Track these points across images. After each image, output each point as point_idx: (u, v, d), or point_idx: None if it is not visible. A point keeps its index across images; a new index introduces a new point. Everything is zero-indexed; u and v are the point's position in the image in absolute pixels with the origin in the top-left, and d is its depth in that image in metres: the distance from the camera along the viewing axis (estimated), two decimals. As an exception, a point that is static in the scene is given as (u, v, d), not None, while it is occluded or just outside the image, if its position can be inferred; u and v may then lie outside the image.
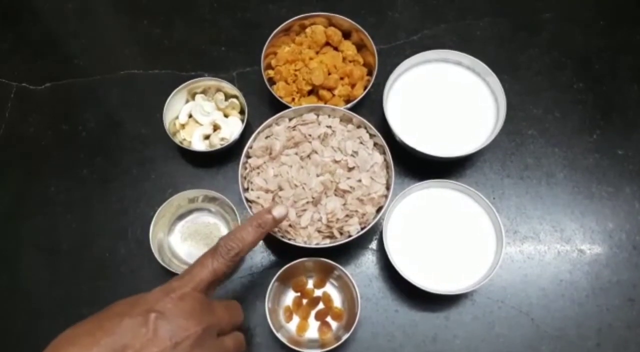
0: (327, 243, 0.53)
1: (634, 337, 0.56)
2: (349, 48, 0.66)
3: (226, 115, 0.65)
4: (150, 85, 0.70)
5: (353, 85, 0.64)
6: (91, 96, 0.70)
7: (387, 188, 0.55)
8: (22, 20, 0.75)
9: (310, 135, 0.55)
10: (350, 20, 0.65)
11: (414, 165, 0.63)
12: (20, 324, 0.58)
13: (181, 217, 0.61)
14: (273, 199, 0.53)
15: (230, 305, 0.45)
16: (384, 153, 0.56)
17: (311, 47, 0.65)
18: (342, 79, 0.64)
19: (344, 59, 0.65)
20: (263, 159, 0.55)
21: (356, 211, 0.53)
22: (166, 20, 0.74)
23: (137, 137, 0.67)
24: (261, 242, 0.60)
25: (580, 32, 0.72)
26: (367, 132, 0.56)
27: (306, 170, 0.54)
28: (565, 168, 0.64)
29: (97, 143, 0.66)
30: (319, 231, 0.53)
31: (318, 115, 0.57)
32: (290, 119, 0.57)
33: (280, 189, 0.53)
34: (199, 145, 0.63)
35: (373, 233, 0.61)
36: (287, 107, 0.58)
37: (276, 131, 0.56)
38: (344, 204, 0.53)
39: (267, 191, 0.54)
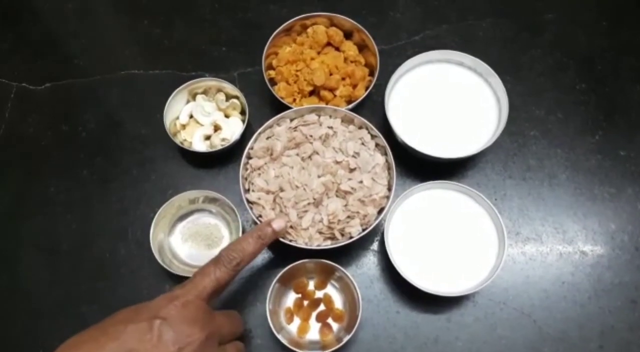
0: (328, 244, 0.53)
1: (636, 339, 0.56)
2: (350, 48, 0.65)
3: (227, 116, 0.65)
4: (150, 85, 0.70)
5: (354, 86, 0.64)
6: (91, 96, 0.69)
7: (389, 189, 0.54)
8: (22, 20, 0.75)
9: (311, 136, 0.55)
10: (351, 21, 0.64)
11: (415, 166, 0.63)
12: (20, 324, 0.58)
13: (182, 218, 0.61)
14: (274, 200, 0.53)
15: (231, 314, 0.47)
16: (385, 154, 0.55)
17: (312, 48, 0.65)
18: (343, 79, 0.64)
19: (345, 59, 0.65)
20: (264, 160, 0.55)
21: (357, 212, 0.52)
22: (166, 20, 0.74)
23: (137, 137, 0.66)
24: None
25: (583, 33, 0.72)
26: (369, 132, 0.56)
27: (307, 171, 0.53)
28: (568, 169, 0.64)
29: (97, 143, 0.66)
30: (320, 232, 0.53)
31: (319, 116, 0.57)
32: (291, 120, 0.57)
33: (281, 190, 0.53)
34: (199, 145, 0.63)
35: (374, 234, 0.61)
36: (288, 108, 0.58)
37: (277, 132, 0.56)
38: (345, 205, 0.53)
39: (268, 192, 0.53)
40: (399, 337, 0.56)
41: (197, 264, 0.58)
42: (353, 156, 0.54)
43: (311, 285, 0.58)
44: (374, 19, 0.73)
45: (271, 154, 0.55)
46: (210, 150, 0.62)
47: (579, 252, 0.60)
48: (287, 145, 0.55)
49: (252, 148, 0.56)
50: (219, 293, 0.44)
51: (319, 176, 0.53)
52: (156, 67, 0.71)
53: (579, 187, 0.63)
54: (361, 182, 0.53)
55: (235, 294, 0.58)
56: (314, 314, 0.56)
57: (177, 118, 0.64)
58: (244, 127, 0.62)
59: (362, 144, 0.55)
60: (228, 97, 0.65)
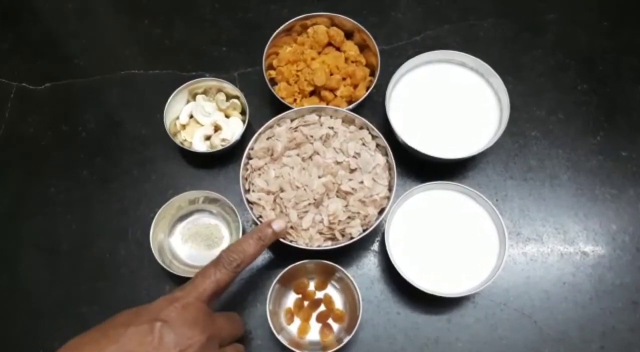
0: (328, 245, 0.53)
1: (637, 340, 0.56)
2: (351, 48, 0.65)
3: (227, 116, 0.65)
4: (150, 85, 0.70)
5: (355, 86, 0.64)
6: (91, 96, 0.69)
7: (389, 190, 0.54)
8: (22, 20, 0.75)
9: (312, 136, 0.55)
10: (352, 21, 0.64)
11: (416, 167, 0.63)
12: (20, 324, 0.58)
13: (182, 218, 0.61)
14: (274, 200, 0.53)
15: (231, 316, 0.47)
16: (386, 154, 0.55)
17: (313, 48, 0.65)
18: (344, 79, 0.64)
19: (346, 59, 0.65)
20: (264, 160, 0.55)
21: (358, 213, 0.52)
22: (166, 20, 0.74)
23: (137, 137, 0.66)
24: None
25: (584, 34, 0.72)
26: (370, 133, 0.56)
27: (308, 172, 0.53)
28: (569, 170, 0.64)
29: (97, 143, 0.66)
30: (321, 233, 0.52)
31: (320, 116, 0.57)
32: (291, 120, 0.57)
33: (282, 190, 0.53)
34: (199, 146, 0.62)
35: (375, 235, 0.61)
36: (289, 108, 0.58)
37: (278, 132, 0.56)
38: (346, 206, 0.52)
39: (268, 193, 0.53)
40: (399, 338, 0.56)
41: (197, 264, 0.58)
42: (354, 157, 0.54)
43: (311, 286, 0.58)
44: (374, 19, 0.72)
45: (272, 155, 0.54)
46: (210, 150, 0.62)
47: (580, 253, 0.60)
48: (288, 146, 0.55)
49: (252, 148, 0.55)
50: (219, 295, 0.44)
51: (319, 177, 0.53)
52: (156, 67, 0.71)
53: (580, 187, 0.63)
54: (362, 182, 0.53)
55: (235, 294, 0.58)
56: (314, 315, 0.56)
57: (177, 118, 0.64)
58: (245, 127, 0.62)
59: (363, 144, 0.55)
60: (228, 97, 0.65)
